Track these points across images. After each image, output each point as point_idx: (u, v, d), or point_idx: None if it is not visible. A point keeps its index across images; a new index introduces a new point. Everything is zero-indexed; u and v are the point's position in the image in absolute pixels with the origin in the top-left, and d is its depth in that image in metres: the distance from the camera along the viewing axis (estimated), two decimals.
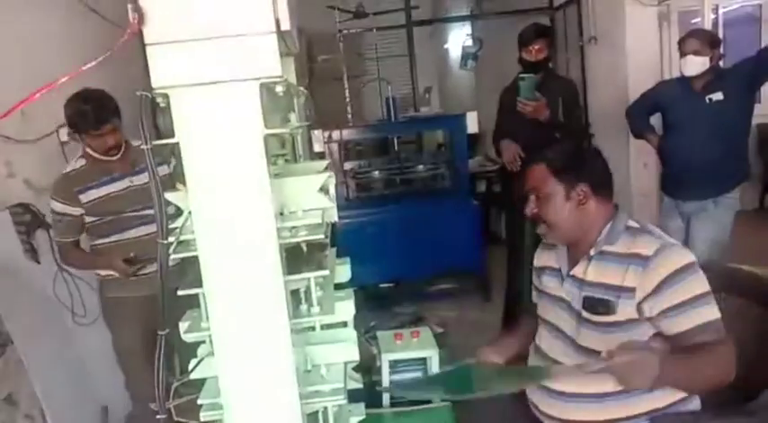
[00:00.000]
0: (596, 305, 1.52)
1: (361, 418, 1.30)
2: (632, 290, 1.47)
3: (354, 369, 1.63)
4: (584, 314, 1.55)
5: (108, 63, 0.97)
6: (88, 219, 2.30)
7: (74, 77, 1.01)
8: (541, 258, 1.77)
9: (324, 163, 1.44)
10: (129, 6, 0.89)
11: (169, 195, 1.07)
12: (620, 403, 1.49)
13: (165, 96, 0.95)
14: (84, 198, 2.26)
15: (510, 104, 3.17)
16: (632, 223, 1.56)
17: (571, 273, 1.61)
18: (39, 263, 2.40)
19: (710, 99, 2.90)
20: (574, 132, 3.20)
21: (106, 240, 2.33)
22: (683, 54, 2.92)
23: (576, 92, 3.36)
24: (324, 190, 1.23)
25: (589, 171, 1.57)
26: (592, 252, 1.56)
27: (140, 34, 0.92)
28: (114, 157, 2.27)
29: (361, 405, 1.32)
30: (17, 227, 2.36)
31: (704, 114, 2.90)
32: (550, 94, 3.12)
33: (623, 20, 4.21)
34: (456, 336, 3.46)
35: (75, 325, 2.53)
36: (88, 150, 2.28)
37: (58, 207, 2.26)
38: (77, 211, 2.27)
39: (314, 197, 1.18)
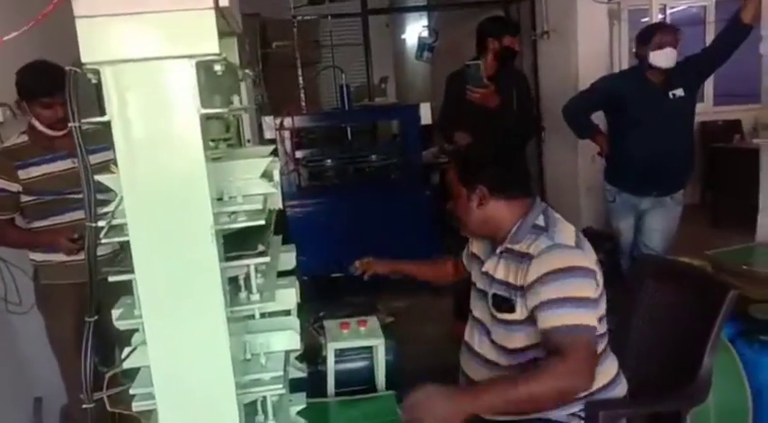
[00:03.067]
0: (501, 303, 1.57)
1: (301, 407, 1.28)
2: (521, 288, 1.52)
3: (299, 358, 1.62)
4: (493, 311, 1.60)
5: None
6: (25, 198, 2.21)
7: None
8: (473, 245, 1.84)
9: (269, 148, 1.41)
10: None
11: (101, 177, 1.02)
12: None
13: (96, 72, 0.91)
14: (23, 174, 2.17)
15: (457, 92, 3.15)
16: (540, 222, 1.57)
17: (483, 268, 1.67)
18: None
19: (674, 94, 2.90)
20: (525, 122, 3.22)
21: (43, 223, 2.24)
22: (658, 46, 2.84)
23: (528, 83, 3.40)
24: (267, 176, 1.20)
25: (484, 175, 1.61)
26: (498, 249, 1.62)
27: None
28: (60, 132, 2.16)
29: (302, 394, 1.30)
30: None
31: (668, 110, 2.90)
32: (505, 85, 3.13)
33: (575, 15, 4.30)
34: (406, 325, 3.47)
35: (9, 314, 2.42)
36: (34, 123, 2.18)
37: None
38: (14, 187, 2.18)
39: (256, 183, 1.15)
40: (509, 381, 1.43)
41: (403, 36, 7.77)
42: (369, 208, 4.02)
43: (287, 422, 1.23)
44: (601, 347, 1.56)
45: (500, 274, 1.59)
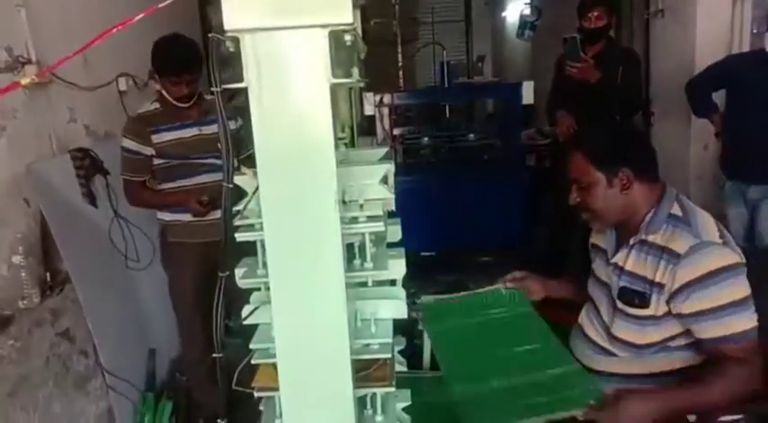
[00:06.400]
0: (632, 297, 1.50)
1: (406, 404, 1.29)
2: (663, 286, 1.45)
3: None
4: (619, 305, 1.53)
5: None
6: (156, 161, 2.37)
7: (131, 26, 1.02)
8: (594, 237, 1.75)
9: (382, 150, 1.42)
10: None
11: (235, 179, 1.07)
12: None
13: (236, 40, 0.95)
14: (156, 139, 2.33)
15: (561, 71, 3.16)
16: (676, 211, 1.48)
17: (613, 259, 1.57)
18: (96, 207, 2.47)
19: None
20: (627, 96, 3.11)
21: (171, 184, 2.40)
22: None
23: (638, 61, 3.26)
24: (384, 180, 1.22)
25: (630, 155, 1.49)
26: (632, 240, 1.52)
27: None
28: (185, 105, 2.32)
29: (407, 391, 1.31)
30: (77, 171, 2.41)
31: None
32: (611, 62, 3.06)
33: None
34: None
35: (128, 270, 2.61)
36: (163, 93, 2.33)
37: (131, 145, 2.33)
38: (149, 150, 2.33)
39: (375, 188, 1.18)
40: (700, 386, 1.40)
41: (503, 14, 7.60)
42: (463, 187, 3.99)
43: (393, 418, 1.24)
44: None
45: (631, 266, 1.52)
